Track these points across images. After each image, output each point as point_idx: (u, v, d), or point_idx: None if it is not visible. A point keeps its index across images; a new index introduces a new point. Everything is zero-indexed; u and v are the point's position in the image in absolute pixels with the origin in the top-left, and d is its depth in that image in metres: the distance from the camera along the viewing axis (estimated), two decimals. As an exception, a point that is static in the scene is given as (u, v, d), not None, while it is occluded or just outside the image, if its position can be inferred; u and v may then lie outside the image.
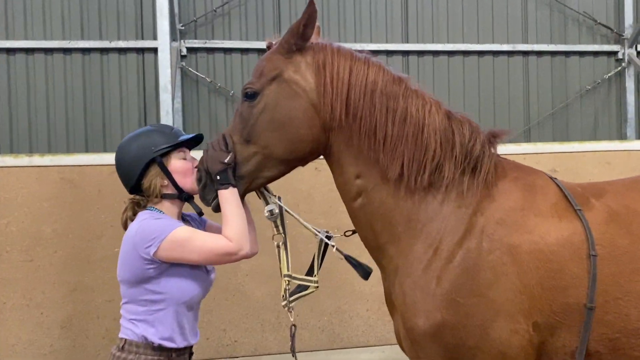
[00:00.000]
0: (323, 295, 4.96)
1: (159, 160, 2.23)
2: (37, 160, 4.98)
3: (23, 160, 4.98)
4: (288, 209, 2.27)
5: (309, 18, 2.04)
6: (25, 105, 6.95)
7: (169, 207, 2.28)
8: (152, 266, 2.13)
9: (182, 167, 2.26)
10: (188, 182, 2.27)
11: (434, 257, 1.96)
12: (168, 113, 5.69)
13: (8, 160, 4.97)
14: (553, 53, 8.00)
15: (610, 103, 8.20)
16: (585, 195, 2.05)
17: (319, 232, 2.26)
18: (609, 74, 8.10)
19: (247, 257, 2.17)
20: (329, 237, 2.26)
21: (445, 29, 7.74)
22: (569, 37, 8.03)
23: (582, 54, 8.05)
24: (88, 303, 4.84)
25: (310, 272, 2.27)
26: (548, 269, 1.89)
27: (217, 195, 2.13)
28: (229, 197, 2.11)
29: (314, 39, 2.15)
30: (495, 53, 7.86)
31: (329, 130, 2.07)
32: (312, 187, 5.15)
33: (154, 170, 2.24)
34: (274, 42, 2.21)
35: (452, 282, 1.90)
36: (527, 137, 7.83)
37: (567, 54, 8.04)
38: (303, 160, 2.18)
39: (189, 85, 7.25)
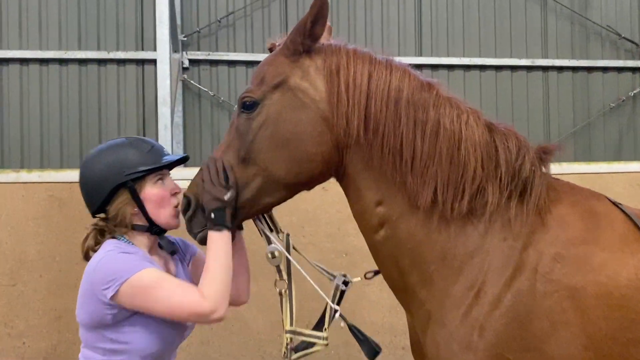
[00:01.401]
0: (330, 326, 4.55)
1: (131, 185, 1.86)
2: (25, 176, 4.66)
3: (9, 176, 4.66)
4: (296, 248, 1.95)
5: (318, 13, 1.72)
6: (18, 118, 6.74)
7: (139, 238, 1.91)
8: (110, 312, 1.75)
9: (158, 196, 1.89)
10: (163, 214, 1.90)
11: (475, 302, 1.63)
12: (167, 127, 5.35)
13: (-7, 175, 4.63)
14: (574, 68, 7.70)
15: (636, 121, 7.89)
16: None
17: (335, 276, 1.95)
18: (634, 91, 7.79)
19: (220, 320, 1.77)
20: (346, 283, 1.94)
21: (461, 42, 7.47)
22: (591, 51, 7.74)
23: (605, 69, 7.76)
24: (74, 332, 4.44)
25: (320, 324, 1.93)
26: (620, 318, 1.57)
27: (205, 227, 1.79)
28: (218, 242, 1.76)
29: (324, 39, 1.83)
30: (514, 68, 7.55)
31: (344, 148, 1.76)
32: (318, 208, 4.78)
33: (124, 196, 1.87)
34: (277, 44, 1.89)
35: (499, 333, 1.59)
36: (548, 157, 7.46)
37: (589, 69, 7.74)
38: (310, 184, 1.85)
39: (190, 99, 6.98)
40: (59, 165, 6.58)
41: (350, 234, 4.40)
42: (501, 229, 1.68)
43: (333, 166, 1.79)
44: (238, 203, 1.78)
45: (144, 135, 6.76)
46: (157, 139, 5.22)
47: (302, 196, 4.86)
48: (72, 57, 6.70)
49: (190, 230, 1.84)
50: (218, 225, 1.74)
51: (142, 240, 1.91)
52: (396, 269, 1.78)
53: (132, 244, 1.89)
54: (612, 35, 7.77)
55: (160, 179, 1.92)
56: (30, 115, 6.70)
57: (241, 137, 1.78)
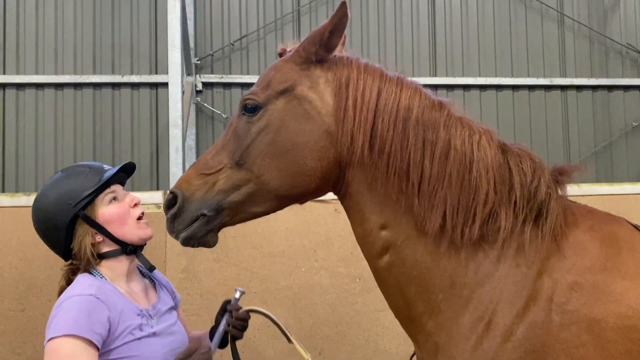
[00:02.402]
0: (343, 354, 4.40)
1: (83, 214, 1.77)
2: (36, 199, 4.63)
3: (20, 199, 4.63)
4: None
5: (338, 24, 1.65)
6: (33, 141, 6.79)
7: (115, 267, 1.81)
8: None
9: (115, 214, 1.80)
10: (127, 229, 1.81)
11: (485, 334, 1.52)
12: (178, 150, 5.30)
13: (4, 199, 4.62)
14: (594, 87, 7.54)
15: (660, 141, 7.63)
16: None
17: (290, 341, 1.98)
18: (658, 110, 7.57)
19: None
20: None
21: (476, 62, 7.36)
22: (611, 70, 7.57)
23: (626, 88, 7.59)
24: (82, 358, 4.37)
25: None
26: None
27: (189, 226, 1.68)
28: None
29: (337, 51, 1.75)
30: (531, 87, 7.41)
31: (347, 165, 1.68)
32: (330, 231, 4.67)
33: (81, 228, 1.78)
34: (288, 49, 1.82)
35: None
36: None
37: (609, 88, 7.56)
38: (303, 198, 1.76)
39: (204, 121, 6.97)
40: (73, 189, 6.56)
41: (364, 258, 4.29)
42: (514, 255, 1.57)
43: (331, 183, 1.71)
44: (223, 204, 1.68)
45: (157, 158, 6.76)
46: (168, 162, 5.18)
47: (314, 219, 4.73)
48: (87, 81, 6.76)
49: (171, 229, 1.71)
50: None
51: (118, 266, 1.82)
52: (401, 297, 1.67)
53: (105, 278, 1.79)
54: (633, 53, 7.60)
55: (113, 197, 1.83)
56: (45, 138, 6.75)
57: (238, 139, 1.70)
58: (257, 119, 1.69)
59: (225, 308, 1.94)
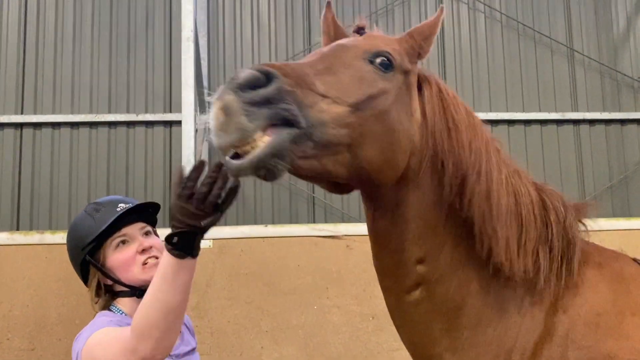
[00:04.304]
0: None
1: (89, 260, 1.81)
2: (49, 237, 4.66)
3: (33, 237, 4.66)
4: None
5: (437, 26, 1.64)
6: (48, 180, 6.86)
7: (132, 305, 1.81)
8: None
9: (120, 261, 1.80)
10: (132, 275, 1.80)
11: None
12: (190, 187, 5.33)
13: (18, 238, 4.65)
14: (607, 121, 7.51)
15: (676, 174, 7.52)
16: None
17: None
18: (671, 143, 7.49)
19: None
20: None
21: (487, 96, 7.38)
22: (624, 104, 7.56)
23: (639, 121, 7.48)
24: (91, 399, 4.30)
25: None
26: None
27: (279, 132, 1.20)
28: (170, 270, 1.43)
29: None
30: (543, 122, 7.39)
31: (409, 181, 1.52)
32: (342, 267, 4.61)
33: (92, 270, 1.82)
34: (366, 29, 1.66)
35: None
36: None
37: (622, 122, 7.53)
38: (364, 185, 1.52)
39: (216, 159, 6.97)
40: (86, 227, 6.59)
41: (377, 295, 4.20)
42: (533, 292, 1.56)
43: (391, 191, 1.51)
44: (324, 136, 1.29)
45: (169, 197, 6.78)
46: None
47: (325, 254, 4.66)
48: (102, 120, 6.87)
49: (247, 119, 1.17)
50: (181, 251, 1.41)
51: (132, 305, 1.81)
52: (425, 334, 1.58)
53: (125, 314, 1.81)
54: (645, 87, 7.59)
55: (121, 241, 1.82)
56: (60, 176, 6.82)
57: (361, 83, 1.41)
58: (387, 78, 1.47)
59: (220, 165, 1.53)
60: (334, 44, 1.54)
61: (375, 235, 1.58)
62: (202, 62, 6.80)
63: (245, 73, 1.21)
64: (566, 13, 7.65)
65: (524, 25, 7.53)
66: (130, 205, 1.85)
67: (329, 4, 1.73)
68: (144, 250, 1.82)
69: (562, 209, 1.60)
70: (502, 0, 7.60)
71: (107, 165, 6.90)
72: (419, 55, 1.60)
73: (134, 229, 1.84)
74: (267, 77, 1.21)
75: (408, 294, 1.55)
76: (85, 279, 1.85)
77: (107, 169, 6.90)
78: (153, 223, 1.95)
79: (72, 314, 4.49)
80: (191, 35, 5.26)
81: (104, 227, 1.79)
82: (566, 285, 1.56)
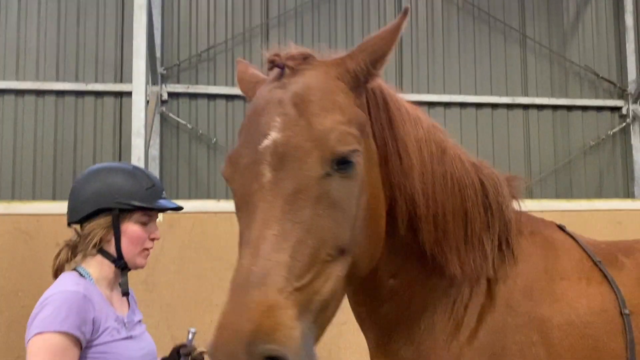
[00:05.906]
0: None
1: (116, 214, 1.85)
2: (-14, 207, 4.48)
3: (-26, 207, 4.48)
4: None
5: (397, 35, 1.34)
6: (-9, 149, 6.55)
7: (103, 267, 1.88)
8: None
9: (135, 235, 1.88)
10: (132, 252, 1.88)
11: (454, 333, 1.54)
12: (140, 159, 5.21)
13: (-40, 206, 4.46)
14: (554, 107, 7.73)
15: (616, 160, 7.89)
16: (613, 253, 1.74)
17: None
18: (614, 130, 7.84)
19: None
20: None
21: (441, 80, 7.49)
22: (571, 91, 7.80)
23: (584, 108, 7.81)
24: (35, 373, 4.21)
25: None
26: (582, 347, 1.53)
27: None
28: None
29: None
30: (494, 105, 7.56)
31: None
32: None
33: (104, 220, 1.85)
34: (308, 55, 1.41)
35: None
36: (529, 194, 7.40)
37: (569, 108, 7.79)
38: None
39: (168, 132, 6.88)
40: (32, 197, 6.38)
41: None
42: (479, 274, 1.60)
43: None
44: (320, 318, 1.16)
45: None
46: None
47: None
48: (49, 88, 6.60)
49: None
50: None
51: (106, 269, 1.89)
52: (388, 334, 1.60)
53: (91, 278, 1.84)
54: (591, 75, 7.85)
55: (146, 220, 1.91)
56: (3, 146, 6.56)
57: (337, 211, 1.19)
58: (355, 174, 1.24)
59: (179, 351, 1.96)
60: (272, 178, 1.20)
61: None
62: (155, 31, 6.61)
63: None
64: (520, 0, 7.81)
65: (479, 9, 7.65)
66: (175, 206, 1.99)
67: (239, 61, 1.66)
68: (153, 239, 1.94)
69: (499, 188, 1.63)
70: (459, -17, 7.68)
71: (54, 136, 6.66)
72: (375, 72, 1.35)
73: (156, 218, 1.98)
74: None
75: (382, 306, 1.57)
76: (85, 217, 1.84)
77: (54, 140, 6.66)
78: None
79: (15, 286, 4.36)
80: (144, 3, 5.10)
81: (159, 206, 1.90)
82: (505, 255, 1.62)
